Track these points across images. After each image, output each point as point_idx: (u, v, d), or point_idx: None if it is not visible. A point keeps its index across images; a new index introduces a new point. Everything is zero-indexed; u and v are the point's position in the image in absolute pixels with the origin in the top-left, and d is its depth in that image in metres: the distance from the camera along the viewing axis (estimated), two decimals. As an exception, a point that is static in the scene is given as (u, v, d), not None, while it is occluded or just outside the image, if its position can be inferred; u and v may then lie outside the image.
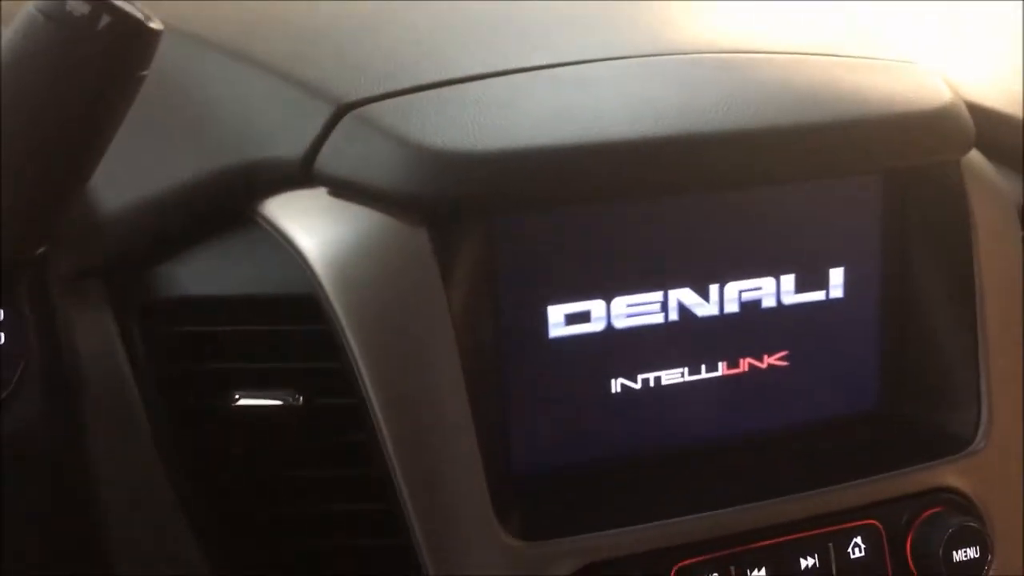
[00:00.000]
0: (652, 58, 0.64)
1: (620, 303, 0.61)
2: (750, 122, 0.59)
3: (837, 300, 0.66)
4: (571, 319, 0.61)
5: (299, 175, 0.58)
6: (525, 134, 0.56)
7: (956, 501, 0.63)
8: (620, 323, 0.62)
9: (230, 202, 0.59)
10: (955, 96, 0.65)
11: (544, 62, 0.62)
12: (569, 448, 0.62)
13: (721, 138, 0.58)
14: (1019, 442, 0.66)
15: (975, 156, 0.67)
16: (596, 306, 0.61)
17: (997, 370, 0.65)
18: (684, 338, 0.63)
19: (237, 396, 0.55)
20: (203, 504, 0.57)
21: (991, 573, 0.62)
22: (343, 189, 0.57)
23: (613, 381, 0.62)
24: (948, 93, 0.65)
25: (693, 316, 0.63)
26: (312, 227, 0.57)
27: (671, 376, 0.64)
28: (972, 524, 0.61)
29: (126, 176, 0.58)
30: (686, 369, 0.64)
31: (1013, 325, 0.66)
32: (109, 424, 0.57)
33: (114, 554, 0.57)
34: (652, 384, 0.63)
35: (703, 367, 0.64)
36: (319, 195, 0.58)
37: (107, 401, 0.57)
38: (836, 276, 0.66)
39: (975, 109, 0.67)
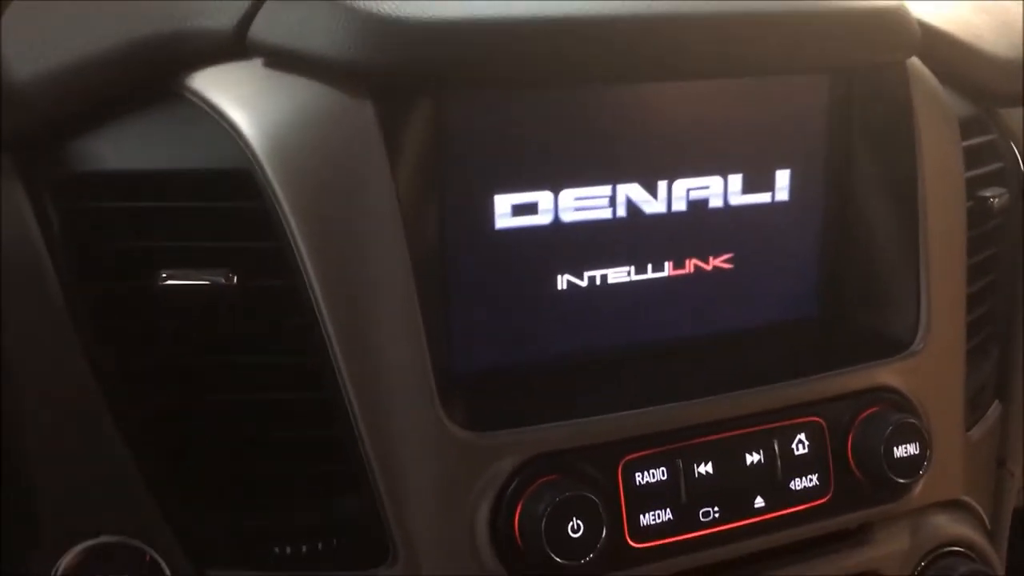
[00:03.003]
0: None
1: (568, 196, 0.60)
2: (708, 8, 0.57)
3: (782, 203, 0.66)
4: (518, 210, 0.59)
5: (231, 45, 0.54)
6: (480, 4, 0.53)
7: (895, 400, 0.64)
8: (568, 216, 0.60)
9: (155, 75, 0.55)
10: (902, 1, 0.65)
11: None
12: (513, 344, 0.61)
13: (679, 21, 0.57)
14: (957, 343, 0.67)
15: (920, 66, 0.67)
16: (544, 197, 0.59)
17: (936, 274, 0.65)
18: (631, 235, 0.62)
19: (164, 275, 0.52)
20: (127, 393, 0.53)
21: (929, 470, 0.62)
22: (280, 59, 0.53)
23: (559, 277, 0.61)
24: None
25: (641, 213, 0.62)
26: (246, 100, 0.53)
27: (617, 274, 0.62)
28: (911, 420, 0.62)
29: (38, 43, 0.54)
30: (632, 267, 0.62)
31: (953, 229, 0.67)
32: (23, 308, 0.52)
33: (31, 451, 0.53)
34: (598, 282, 0.62)
35: (649, 266, 0.63)
36: (253, 66, 0.54)
37: (20, 283, 0.52)
38: (782, 178, 0.65)
39: (927, 29, 0.67)
